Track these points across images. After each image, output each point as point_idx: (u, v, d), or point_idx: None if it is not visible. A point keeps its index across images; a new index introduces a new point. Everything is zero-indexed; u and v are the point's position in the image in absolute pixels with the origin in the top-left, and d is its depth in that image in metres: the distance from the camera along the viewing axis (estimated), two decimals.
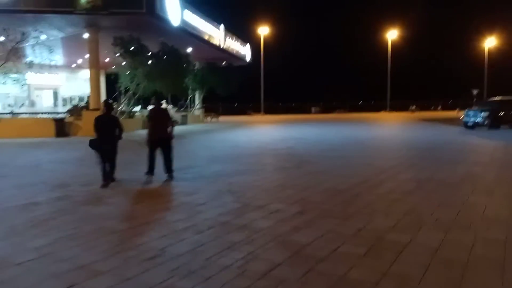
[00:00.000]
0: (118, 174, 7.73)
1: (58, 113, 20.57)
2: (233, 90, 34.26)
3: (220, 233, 4.47)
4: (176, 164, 8.06)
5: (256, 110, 51.47)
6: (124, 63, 20.24)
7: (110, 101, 8.52)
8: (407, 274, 3.34)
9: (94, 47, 18.88)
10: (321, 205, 5.67)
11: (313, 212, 5.30)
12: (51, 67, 31.21)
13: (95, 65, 19.12)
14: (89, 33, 18.58)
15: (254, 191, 6.65)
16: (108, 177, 7.32)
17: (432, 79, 72.44)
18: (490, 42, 58.45)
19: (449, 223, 4.76)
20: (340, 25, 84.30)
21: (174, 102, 34.51)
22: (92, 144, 7.32)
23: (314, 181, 7.47)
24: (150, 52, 20.15)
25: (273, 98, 56.19)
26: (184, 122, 28.98)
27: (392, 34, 58.56)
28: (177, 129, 25.24)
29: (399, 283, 3.19)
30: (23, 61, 18.14)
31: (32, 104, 31.39)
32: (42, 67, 30.91)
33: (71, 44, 23.44)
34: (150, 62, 19.88)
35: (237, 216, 5.14)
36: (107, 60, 24.82)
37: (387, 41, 58.57)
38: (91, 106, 19.30)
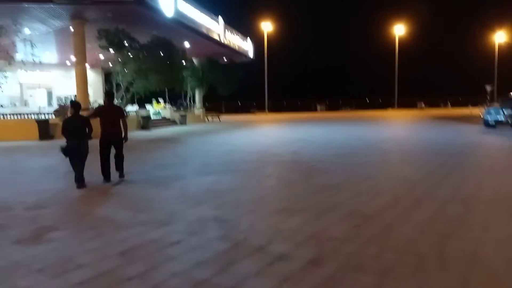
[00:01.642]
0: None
1: (46, 114, 18.90)
2: (235, 88, 32.56)
3: None
4: (157, 175, 6.59)
5: (260, 109, 49.72)
6: (114, 58, 18.61)
7: (74, 99, 8.21)
8: None
9: (79, 41, 17.24)
10: (343, 245, 3.97)
11: (334, 260, 3.60)
12: (44, 65, 29.81)
13: (81, 61, 17.50)
14: (74, 26, 16.94)
15: (250, 219, 4.95)
16: (80, 180, 7.01)
17: (440, 75, 70.18)
18: (500, 37, 56.35)
19: None
20: (345, 19, 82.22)
21: (173, 101, 32.91)
22: (65, 150, 6.97)
23: (328, 200, 5.77)
24: (138, 45, 18.42)
25: (277, 96, 54.42)
26: (183, 122, 27.38)
27: (399, 29, 56.60)
28: (174, 130, 23.86)
29: None
30: (5, 58, 16.50)
31: (25, 104, 29.88)
32: (33, 65, 29.50)
33: (62, 40, 21.87)
34: (139, 56, 18.19)
35: (222, 270, 3.45)
36: (103, 57, 23.25)
37: (394, 37, 56.64)
38: None
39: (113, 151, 7.56)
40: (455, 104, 56.59)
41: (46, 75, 31.34)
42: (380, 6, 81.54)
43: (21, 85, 29.71)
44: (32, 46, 17.30)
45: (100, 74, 34.37)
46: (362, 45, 75.01)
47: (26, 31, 18.34)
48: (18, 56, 21.55)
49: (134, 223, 4.90)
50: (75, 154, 6.97)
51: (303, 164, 9.25)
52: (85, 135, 7.07)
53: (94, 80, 34.28)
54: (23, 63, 20.51)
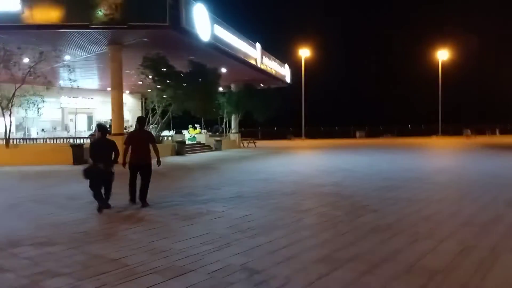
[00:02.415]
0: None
1: (81, 138, 18.94)
2: (272, 114, 31.90)
3: None
4: (185, 206, 6.00)
5: (297, 135, 48.72)
6: (151, 83, 18.50)
7: (105, 123, 8.14)
8: None
9: (116, 66, 17.26)
10: None
11: None
12: (85, 91, 30.63)
13: (117, 86, 17.47)
14: (110, 51, 16.99)
15: (285, 270, 4.03)
16: (103, 203, 7.00)
17: (486, 101, 66.62)
18: None
19: None
20: (387, 43, 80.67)
21: (209, 126, 32.71)
22: (86, 173, 6.91)
23: (381, 247, 4.76)
24: (178, 72, 18.23)
25: (314, 122, 53.31)
26: (218, 147, 26.90)
27: (442, 54, 54.58)
28: (209, 155, 23.35)
29: None
30: (44, 83, 16.76)
31: (66, 128, 30.63)
32: (73, 91, 30.40)
33: (101, 66, 22.22)
34: (177, 82, 17.94)
35: None
36: (141, 82, 23.41)
37: (438, 62, 54.60)
38: (114, 130, 17.53)
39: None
40: (503, 131, 53.11)
41: (87, 101, 32.22)
42: (424, 31, 79.83)
43: (62, 110, 30.55)
44: (70, 71, 17.49)
45: (139, 98, 34.93)
46: (404, 70, 73.01)
47: (66, 57, 18.63)
48: (60, 82, 22.15)
49: (148, 269, 4.11)
50: (99, 177, 6.90)
51: (347, 198, 8.21)
52: (111, 159, 7.08)
53: (133, 105, 34.93)
54: (61, 88, 20.90)
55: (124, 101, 31.74)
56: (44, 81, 15.99)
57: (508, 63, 63.18)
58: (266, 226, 5.88)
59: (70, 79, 17.19)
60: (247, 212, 6.88)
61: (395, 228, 5.68)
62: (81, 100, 31.60)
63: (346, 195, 8.49)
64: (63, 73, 20.39)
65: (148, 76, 17.79)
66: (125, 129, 19.86)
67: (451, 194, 8.86)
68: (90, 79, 27.58)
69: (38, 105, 16.67)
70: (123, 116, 17.78)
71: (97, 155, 6.98)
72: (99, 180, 6.94)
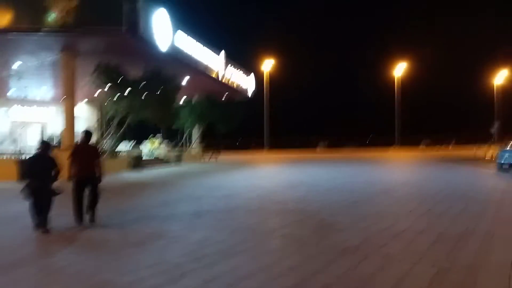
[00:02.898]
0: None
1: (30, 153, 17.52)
2: (235, 125, 31.45)
3: None
4: (135, 228, 5.27)
5: (259, 145, 48.48)
6: (106, 93, 17.49)
7: (46, 138, 7.20)
8: None
9: (69, 75, 16.13)
10: None
11: None
12: (37, 102, 28.74)
13: (69, 96, 16.32)
14: (63, 58, 15.88)
15: None
16: (41, 225, 6.46)
17: (442, 113, 69.58)
18: (500, 77, 56.29)
19: None
20: (348, 58, 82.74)
21: (170, 138, 31.72)
22: (28, 191, 6.47)
23: (354, 272, 4.34)
24: (134, 80, 17.34)
25: (277, 133, 53.40)
26: (178, 161, 26.00)
27: (400, 68, 56.58)
28: (168, 171, 22.33)
29: None
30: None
31: (14, 141, 28.59)
32: (28, 102, 28.48)
33: (56, 74, 20.89)
34: (133, 92, 17.05)
35: None
36: (98, 92, 22.22)
37: (395, 75, 56.55)
38: (63, 144, 16.37)
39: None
40: (458, 143, 55.40)
41: (39, 111, 30.27)
42: (382, 44, 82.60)
43: (11, 122, 28.54)
44: (18, 79, 16.23)
45: (98, 108, 33.31)
46: (363, 84, 75.03)
47: (16, 64, 17.31)
48: (8, 92, 20.53)
49: None
50: (41, 196, 6.46)
51: (312, 216, 7.80)
52: (51, 176, 6.68)
53: (90, 116, 33.20)
54: (8, 99, 19.44)
55: (81, 111, 30.25)
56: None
57: (463, 77, 66.35)
58: (225, 251, 5.32)
59: (19, 89, 15.88)
60: (205, 233, 6.29)
61: (364, 249, 5.29)
62: (34, 110, 29.66)
63: (310, 212, 8.09)
64: (13, 82, 18.97)
65: (101, 85, 16.78)
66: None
67: (416, 208, 8.67)
68: (44, 89, 25.90)
69: None
70: (73, 128, 16.57)
71: (35, 171, 6.56)
72: (39, 199, 6.51)
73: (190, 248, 5.50)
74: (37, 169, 6.57)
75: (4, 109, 24.83)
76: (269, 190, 11.96)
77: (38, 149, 6.93)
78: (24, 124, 25.01)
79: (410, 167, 22.36)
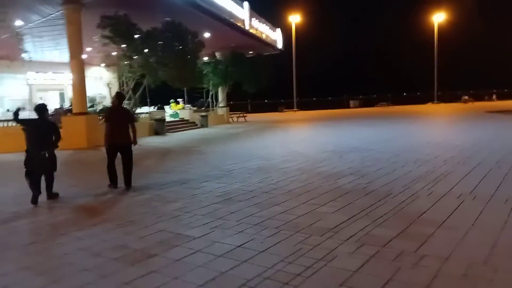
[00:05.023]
0: None
1: None
2: (263, 85, 28.90)
3: None
4: (136, 231, 3.29)
5: (289, 106, 45.95)
6: (118, 52, 15.48)
7: (44, 102, 6.97)
8: None
9: (74, 30, 14.10)
10: None
11: None
12: (55, 65, 27.16)
13: (77, 55, 14.37)
14: (67, 11, 13.84)
15: None
16: (36, 198, 5.92)
17: (483, 66, 64.06)
18: None
19: None
20: (380, 9, 76.97)
21: (194, 100, 29.80)
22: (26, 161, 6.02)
23: None
24: (148, 33, 15.12)
25: (306, 92, 50.56)
26: (204, 124, 24.11)
27: (438, 17, 51.42)
28: (193, 134, 20.46)
29: None
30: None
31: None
32: (45, 66, 27.09)
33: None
34: (144, 47, 14.89)
35: None
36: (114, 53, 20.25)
37: (433, 26, 51.53)
38: (75, 109, 14.64)
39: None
40: (501, 96, 50.94)
41: (58, 76, 28.80)
42: None
43: (30, 86, 27.19)
44: (20, 38, 14.41)
45: (114, 70, 31.54)
46: (398, 35, 69.82)
47: (17, 22, 15.44)
48: (23, 55, 18.91)
49: None
50: (38, 166, 6.05)
51: (384, 199, 5.63)
52: (51, 141, 6.23)
53: (111, 80, 31.53)
54: (22, 64, 17.86)
55: (100, 75, 28.55)
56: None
57: (502, 28, 60.36)
58: (273, 277, 3.27)
59: (26, 51, 14.27)
60: (239, 238, 4.27)
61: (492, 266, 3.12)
62: (50, 75, 28.23)
63: (381, 194, 5.91)
64: (25, 44, 17.26)
65: (112, 41, 14.69)
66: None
67: None
68: (57, 51, 24.11)
69: None
70: (84, 91, 14.75)
71: (35, 139, 6.07)
72: (39, 168, 6.07)
73: (217, 267, 3.48)
74: (35, 136, 6.10)
75: (21, 74, 23.45)
76: (312, 159, 9.75)
77: (53, 114, 5.61)
78: (44, 88, 23.60)
79: (463, 122, 19.37)
